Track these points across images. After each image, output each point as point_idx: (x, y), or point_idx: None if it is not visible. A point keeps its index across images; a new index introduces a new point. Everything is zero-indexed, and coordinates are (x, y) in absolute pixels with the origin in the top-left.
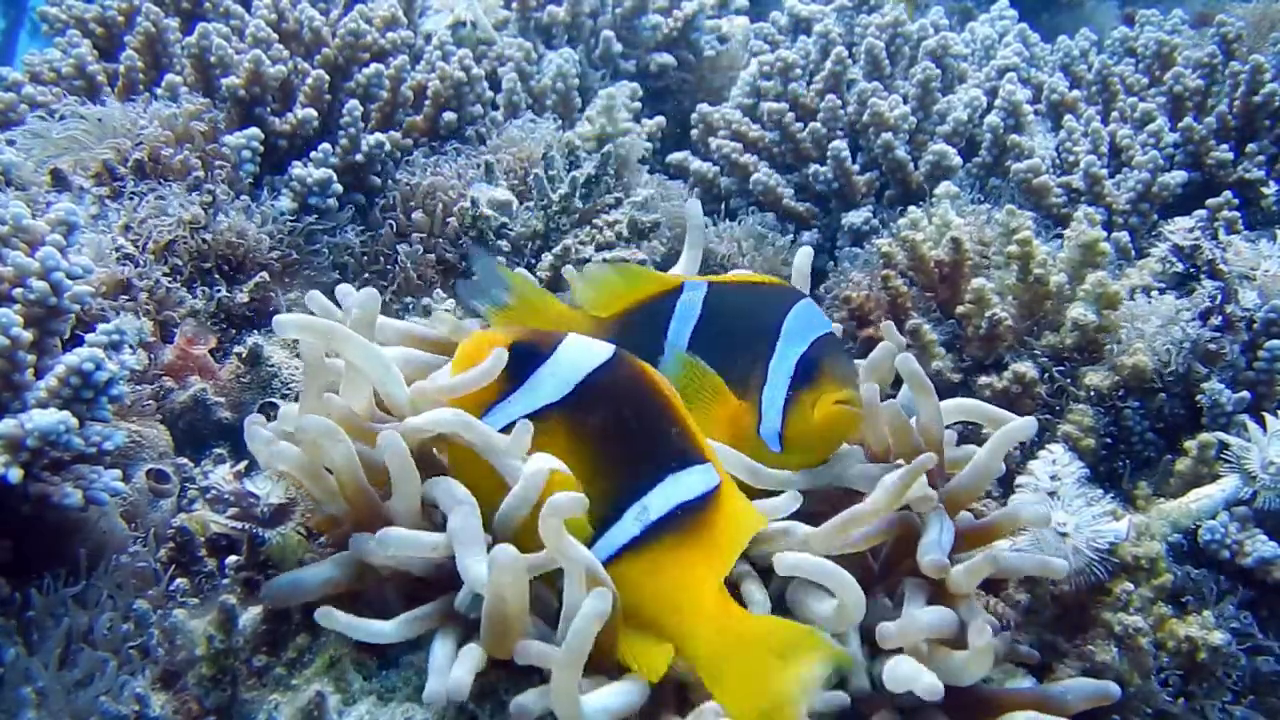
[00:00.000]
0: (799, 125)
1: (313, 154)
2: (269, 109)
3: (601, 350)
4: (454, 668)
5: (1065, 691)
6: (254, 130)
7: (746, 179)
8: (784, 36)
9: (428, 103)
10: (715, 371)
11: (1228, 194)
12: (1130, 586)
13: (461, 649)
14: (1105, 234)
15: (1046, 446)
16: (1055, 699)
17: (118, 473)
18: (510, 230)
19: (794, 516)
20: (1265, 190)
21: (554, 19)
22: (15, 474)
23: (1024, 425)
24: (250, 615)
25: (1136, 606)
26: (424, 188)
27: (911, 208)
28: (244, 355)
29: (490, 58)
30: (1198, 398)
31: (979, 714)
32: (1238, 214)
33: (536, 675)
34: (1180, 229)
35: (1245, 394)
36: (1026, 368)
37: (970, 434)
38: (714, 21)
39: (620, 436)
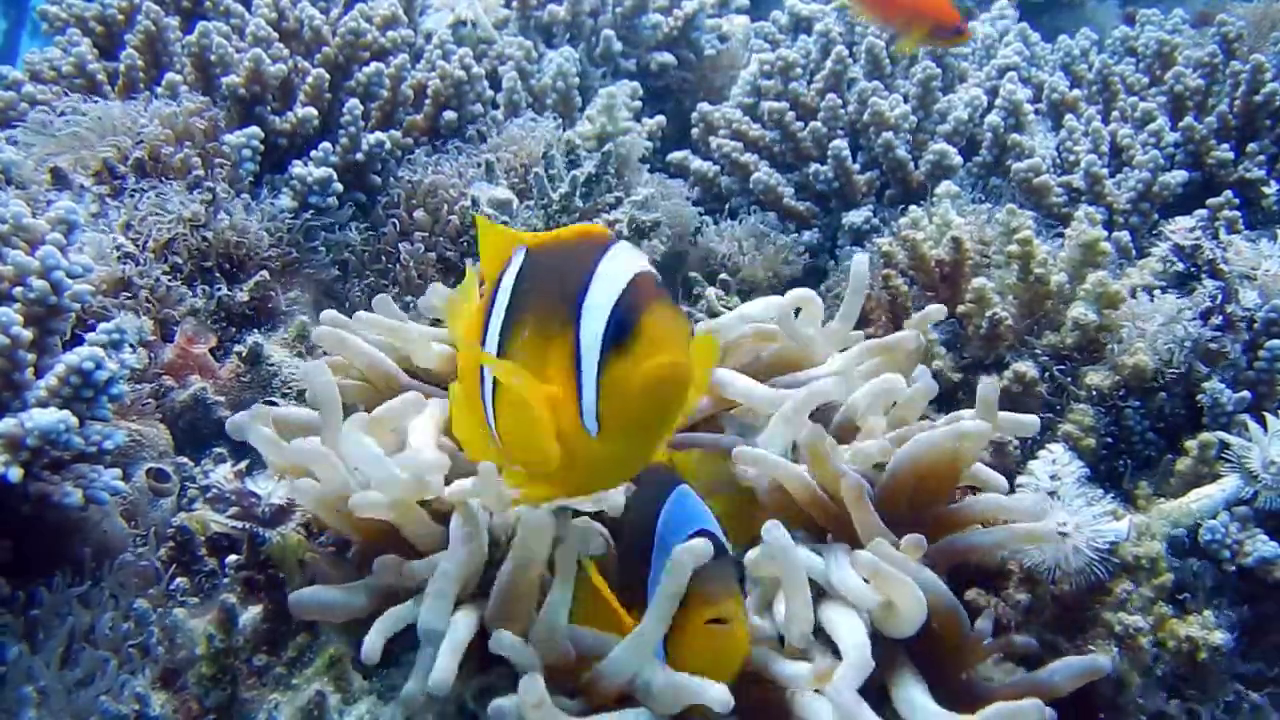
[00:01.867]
0: (799, 124)
1: (313, 153)
2: (269, 108)
3: None
4: (435, 665)
5: (1052, 674)
6: (254, 129)
7: (747, 178)
8: (784, 36)
9: (428, 102)
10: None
11: (1228, 193)
12: (1130, 586)
13: (442, 645)
14: (1106, 233)
15: (1046, 446)
16: (1043, 683)
17: (118, 472)
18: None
19: None
20: (1266, 190)
21: (554, 18)
22: (15, 473)
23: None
24: (250, 614)
25: (1137, 606)
26: (425, 186)
27: (912, 207)
28: (244, 354)
29: (490, 57)
30: (1198, 397)
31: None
32: (1238, 213)
33: None
34: (1181, 228)
35: (1246, 394)
36: (1027, 367)
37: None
38: (714, 20)
39: None
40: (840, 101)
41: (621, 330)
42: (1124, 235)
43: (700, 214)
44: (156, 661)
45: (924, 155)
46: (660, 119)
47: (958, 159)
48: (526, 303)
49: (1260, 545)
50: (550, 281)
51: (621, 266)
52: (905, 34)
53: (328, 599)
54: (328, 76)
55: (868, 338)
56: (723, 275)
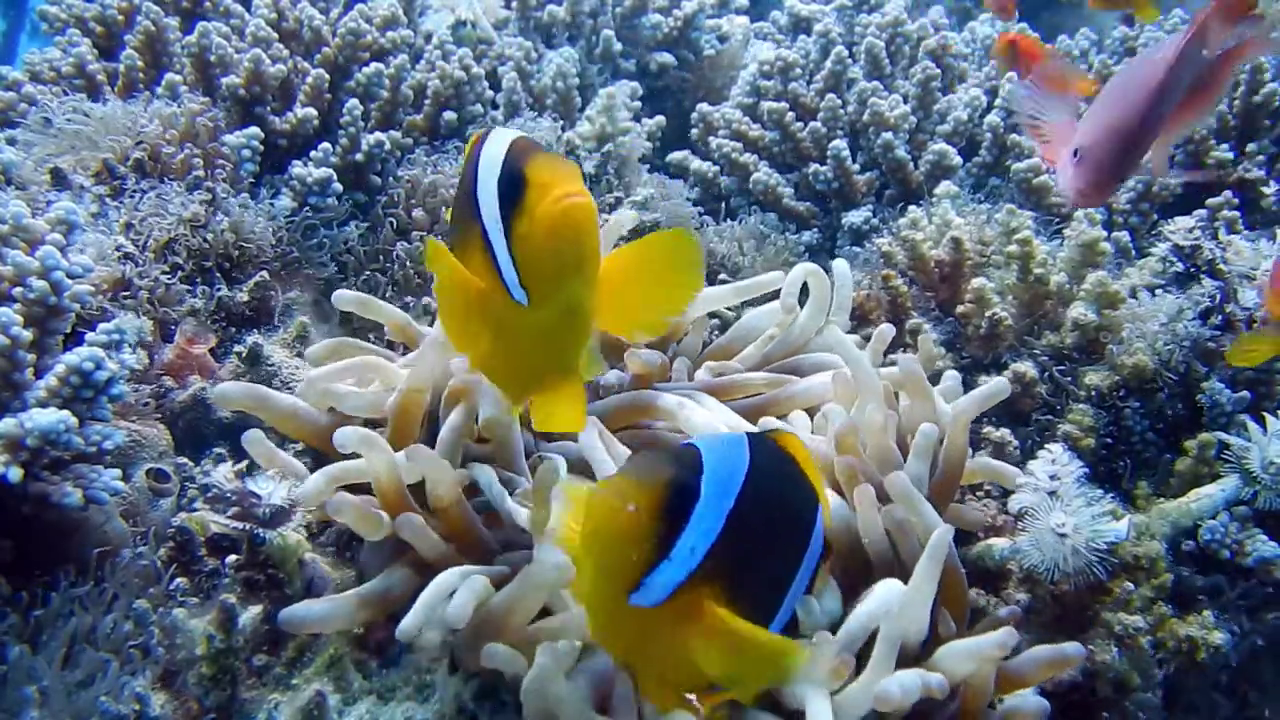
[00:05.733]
0: (799, 125)
1: (312, 153)
2: (269, 108)
3: (740, 448)
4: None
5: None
6: (254, 129)
7: (747, 178)
8: (784, 36)
9: (428, 102)
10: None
11: (1228, 194)
12: (1130, 586)
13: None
14: (1105, 234)
15: (1046, 446)
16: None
17: (118, 472)
18: None
19: None
20: (1265, 190)
21: (554, 18)
22: (15, 473)
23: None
24: (250, 614)
25: (1137, 606)
26: (424, 186)
27: (912, 207)
28: (244, 354)
29: (490, 57)
30: (1198, 397)
31: None
32: (1238, 213)
33: None
34: (1180, 229)
35: (1245, 394)
36: (1026, 367)
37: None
38: (714, 20)
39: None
40: (840, 102)
41: (513, 190)
42: (1124, 235)
43: (700, 214)
44: (157, 662)
45: (923, 155)
46: (660, 119)
47: (957, 159)
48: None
49: (1260, 545)
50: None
51: (499, 144)
52: None
53: (317, 612)
54: (327, 77)
55: (866, 338)
56: (722, 275)
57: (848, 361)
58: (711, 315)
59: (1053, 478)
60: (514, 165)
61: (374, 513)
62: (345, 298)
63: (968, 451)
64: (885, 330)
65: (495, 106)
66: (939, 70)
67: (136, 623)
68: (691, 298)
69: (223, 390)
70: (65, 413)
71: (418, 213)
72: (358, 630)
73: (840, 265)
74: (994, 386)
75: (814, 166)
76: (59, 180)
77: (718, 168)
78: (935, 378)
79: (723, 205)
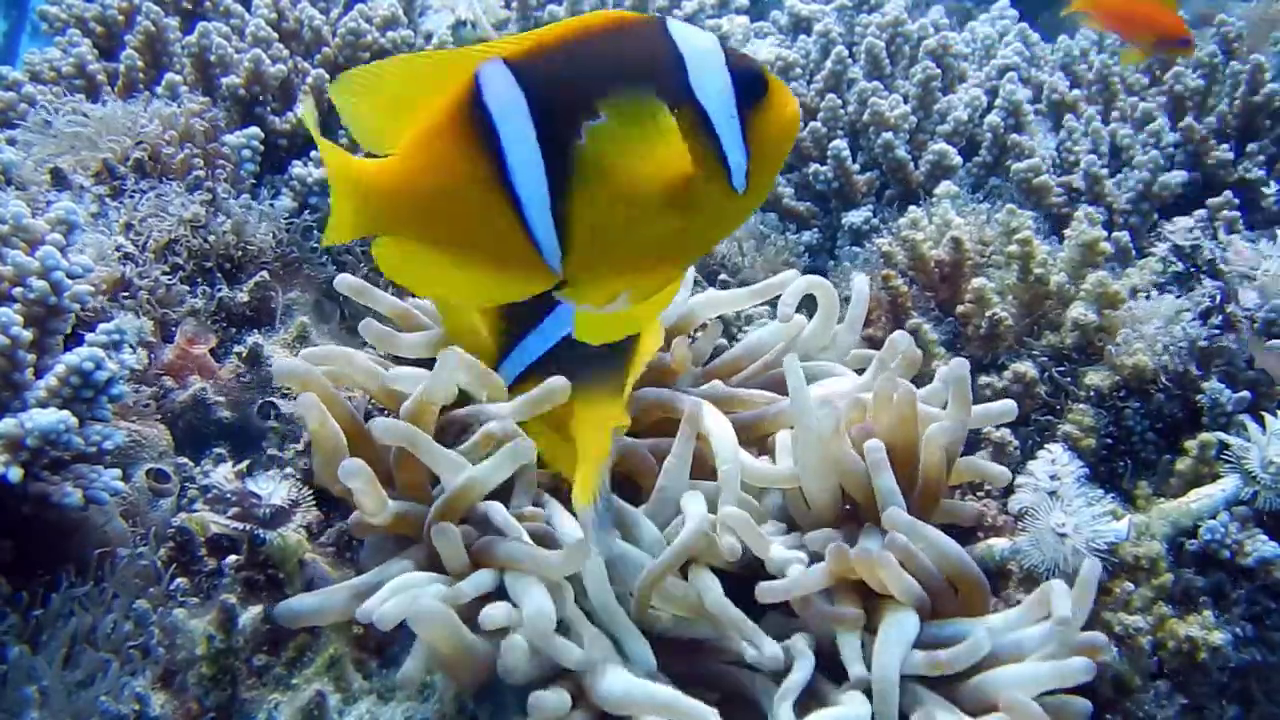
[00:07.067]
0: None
1: (313, 153)
2: (269, 108)
3: None
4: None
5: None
6: (254, 129)
7: None
8: (784, 35)
9: None
10: None
11: (1228, 194)
12: (1130, 586)
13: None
14: (1105, 234)
15: (1046, 446)
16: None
17: (118, 472)
18: None
19: None
20: (1266, 190)
21: (554, 19)
22: (15, 473)
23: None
24: (250, 614)
25: (1137, 606)
26: None
27: (912, 207)
28: (244, 355)
29: None
30: (1198, 398)
31: None
32: (1238, 214)
33: None
34: (1180, 229)
35: (1245, 394)
36: (1027, 367)
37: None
38: (714, 21)
39: None
40: (840, 101)
41: (757, 88)
42: (1124, 235)
43: None
44: (157, 662)
45: (924, 155)
46: None
47: (957, 159)
48: (574, 108)
49: (1260, 545)
50: (598, 74)
51: (698, 34)
52: (1133, 44)
53: (310, 605)
54: (328, 77)
55: (866, 339)
56: (722, 275)
57: (791, 394)
58: None
59: (1053, 478)
60: (746, 63)
61: (381, 492)
62: (346, 282)
63: (945, 466)
64: (898, 338)
65: None
66: (939, 70)
67: (136, 623)
68: None
69: (284, 365)
70: (65, 413)
71: None
72: (357, 630)
73: (859, 283)
74: (1000, 407)
75: (814, 166)
76: (59, 180)
77: None
78: (921, 381)
79: None
